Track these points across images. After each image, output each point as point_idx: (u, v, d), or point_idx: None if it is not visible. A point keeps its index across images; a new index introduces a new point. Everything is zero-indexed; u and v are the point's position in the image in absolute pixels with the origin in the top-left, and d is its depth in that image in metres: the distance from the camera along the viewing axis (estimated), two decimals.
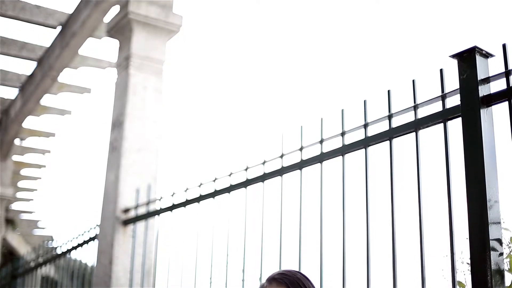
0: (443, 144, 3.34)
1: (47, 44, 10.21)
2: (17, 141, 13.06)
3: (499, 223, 3.00)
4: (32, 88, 10.77)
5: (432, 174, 3.55)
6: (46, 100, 11.41)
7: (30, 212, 16.50)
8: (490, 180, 3.02)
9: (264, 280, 2.89)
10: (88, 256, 7.13)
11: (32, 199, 15.92)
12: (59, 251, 8.07)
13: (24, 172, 14.54)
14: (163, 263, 5.85)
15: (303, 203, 4.17)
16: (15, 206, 15.84)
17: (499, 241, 2.96)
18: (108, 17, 7.87)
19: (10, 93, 12.20)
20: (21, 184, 14.97)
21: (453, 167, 3.31)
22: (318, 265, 3.92)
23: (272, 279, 2.84)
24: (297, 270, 2.91)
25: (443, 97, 3.36)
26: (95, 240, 6.60)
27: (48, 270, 8.77)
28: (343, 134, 3.93)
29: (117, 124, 6.42)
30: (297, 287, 2.76)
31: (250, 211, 4.62)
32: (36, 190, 15.47)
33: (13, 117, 11.88)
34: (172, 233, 5.58)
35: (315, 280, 3.78)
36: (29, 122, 12.32)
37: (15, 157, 13.73)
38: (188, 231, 5.30)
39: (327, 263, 3.91)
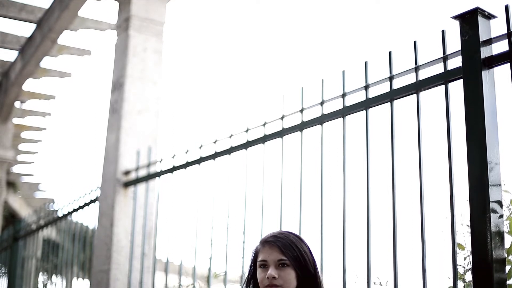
0: (444, 106, 3.33)
1: (47, 5, 10.13)
2: (17, 104, 13.03)
3: (500, 185, 3.01)
4: (31, 51, 10.71)
5: (433, 137, 3.55)
6: (46, 62, 11.36)
7: (31, 175, 16.52)
8: (491, 142, 3.02)
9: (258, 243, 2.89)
10: (89, 218, 7.16)
11: (33, 162, 15.92)
12: (60, 214, 8.09)
13: (24, 135, 14.52)
14: (164, 225, 5.88)
15: (303, 165, 4.17)
16: (16, 169, 15.86)
17: (499, 203, 2.97)
18: None
19: (9, 55, 12.14)
20: (21, 147, 14.97)
21: (454, 130, 3.30)
22: (319, 227, 3.93)
23: (265, 242, 2.84)
24: (292, 231, 2.89)
25: (445, 58, 3.34)
26: (96, 202, 6.62)
27: (50, 232, 8.80)
28: (343, 95, 3.92)
29: (117, 86, 6.40)
30: (290, 249, 2.76)
31: (251, 173, 4.63)
32: (37, 153, 15.48)
33: (13, 79, 11.83)
34: (173, 195, 5.60)
35: (315, 242, 3.81)
36: (29, 85, 12.27)
37: (16, 120, 13.71)
38: (189, 193, 5.32)
39: (327, 225, 3.92)
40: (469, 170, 3.04)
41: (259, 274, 2.80)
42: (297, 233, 2.89)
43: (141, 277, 5.78)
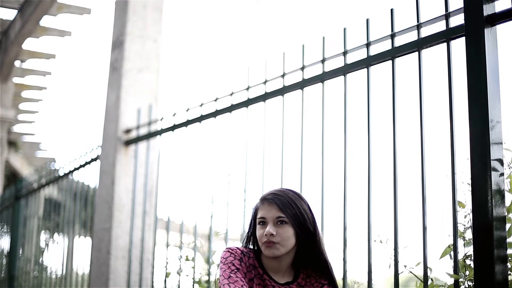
0: (446, 64, 3.32)
1: None
2: (17, 63, 12.98)
3: (501, 143, 3.00)
4: (31, 9, 10.63)
5: (434, 95, 3.54)
6: (46, 21, 11.30)
7: (32, 134, 16.54)
8: (492, 100, 3.01)
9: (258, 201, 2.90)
10: (90, 177, 7.18)
11: (33, 121, 15.92)
12: (61, 173, 8.11)
13: (25, 94, 14.50)
14: (165, 183, 5.89)
15: (304, 123, 4.16)
16: (17, 128, 15.87)
17: (500, 161, 2.97)
18: None
19: (9, 14, 12.07)
20: (22, 106, 14.96)
21: (456, 88, 3.29)
22: (319, 184, 3.93)
23: (264, 199, 2.84)
24: (291, 189, 2.89)
25: (447, 16, 3.32)
26: (97, 160, 6.63)
27: (51, 191, 8.83)
28: (345, 53, 3.90)
29: (117, 44, 6.36)
30: (289, 207, 2.76)
31: (252, 131, 4.62)
32: (37, 112, 15.47)
33: (12, 38, 11.77)
34: (174, 154, 5.60)
35: (315, 200, 3.82)
36: (29, 44, 12.22)
37: (16, 79, 13.68)
38: (190, 151, 5.32)
39: (328, 182, 3.92)
40: (470, 128, 3.03)
41: (258, 231, 2.81)
42: (297, 191, 2.89)
43: (142, 235, 5.81)
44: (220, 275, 2.73)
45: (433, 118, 3.48)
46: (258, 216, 2.82)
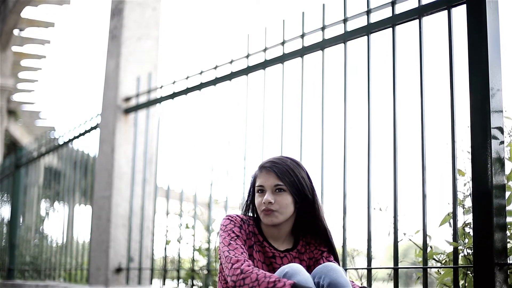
0: (447, 33, 3.30)
1: None
2: (16, 32, 12.92)
3: (501, 111, 3.00)
4: None
5: (435, 63, 3.52)
6: None
7: (32, 103, 16.51)
8: (493, 68, 3.00)
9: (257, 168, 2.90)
10: (90, 145, 7.18)
11: (33, 90, 15.89)
12: (61, 141, 8.11)
13: (24, 63, 14.46)
14: (165, 152, 5.89)
15: (304, 91, 4.15)
16: (16, 97, 15.85)
17: (501, 129, 2.97)
18: None
19: None
20: (21, 75, 14.92)
21: (457, 56, 3.28)
22: (319, 152, 3.93)
23: (262, 167, 2.84)
24: (290, 156, 2.88)
25: None
26: (97, 129, 6.62)
27: (51, 160, 8.83)
28: (345, 21, 3.88)
29: (116, 12, 6.32)
30: (287, 175, 2.76)
31: (251, 99, 4.61)
32: (37, 81, 15.44)
33: (11, 6, 11.70)
34: (174, 122, 5.60)
35: (315, 167, 3.82)
36: (28, 12, 12.15)
37: (15, 48, 13.62)
38: (190, 119, 5.31)
39: (328, 150, 3.92)
40: (470, 96, 3.03)
41: (257, 199, 2.81)
42: (296, 159, 2.89)
43: (142, 202, 5.82)
44: (220, 242, 2.74)
45: (433, 86, 3.48)
46: (257, 184, 2.82)
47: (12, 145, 16.08)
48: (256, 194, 2.82)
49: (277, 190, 2.75)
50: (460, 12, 3.22)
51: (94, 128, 6.82)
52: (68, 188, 7.97)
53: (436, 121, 3.45)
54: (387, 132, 3.50)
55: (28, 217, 9.67)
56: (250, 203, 2.92)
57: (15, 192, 9.89)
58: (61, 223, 8.22)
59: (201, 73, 5.12)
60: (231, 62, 4.80)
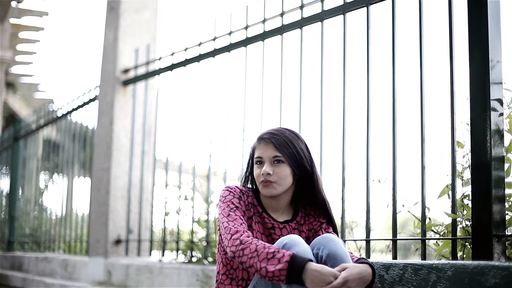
0: (447, 4, 3.28)
1: None
2: (13, 3, 12.84)
3: (501, 83, 2.99)
4: None
5: (434, 34, 3.50)
6: None
7: (30, 75, 16.45)
8: (493, 40, 2.99)
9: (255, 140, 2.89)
10: (88, 117, 7.17)
11: (31, 62, 15.82)
12: (59, 113, 8.10)
13: (22, 35, 14.38)
14: (164, 123, 5.89)
15: (303, 63, 4.14)
16: (15, 69, 15.78)
17: (500, 101, 2.96)
18: None
19: None
20: (20, 47, 14.85)
21: (457, 27, 3.26)
22: (318, 124, 3.93)
23: (260, 139, 2.83)
24: (289, 128, 2.87)
25: None
26: (95, 101, 6.61)
27: (50, 132, 8.83)
28: None
29: None
30: (285, 146, 2.75)
31: (250, 71, 4.60)
32: (35, 53, 15.37)
33: None
34: (172, 94, 5.58)
35: (314, 139, 3.82)
36: None
37: (13, 20, 13.54)
38: (189, 91, 5.30)
39: (327, 122, 3.92)
40: (470, 68, 3.02)
41: (255, 170, 2.80)
42: (295, 130, 2.88)
43: (141, 174, 5.83)
44: (219, 214, 2.74)
45: (433, 58, 3.46)
46: (255, 155, 2.82)
47: (11, 118, 16.06)
48: (255, 166, 2.81)
49: (275, 162, 2.75)
50: None
51: (93, 100, 6.81)
52: (67, 160, 7.98)
53: (436, 93, 3.44)
54: (386, 104, 3.49)
55: (28, 189, 9.69)
56: (249, 175, 2.92)
57: (14, 164, 9.89)
58: (60, 195, 8.24)
59: (199, 44, 5.10)
60: (230, 33, 4.78)
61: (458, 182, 3.23)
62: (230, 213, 2.70)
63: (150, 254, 5.85)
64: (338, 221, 3.32)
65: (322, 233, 2.81)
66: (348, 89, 3.79)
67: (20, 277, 7.58)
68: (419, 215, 3.33)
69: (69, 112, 7.73)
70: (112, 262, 5.67)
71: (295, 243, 2.47)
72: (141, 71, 5.90)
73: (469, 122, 3.02)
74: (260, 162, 2.78)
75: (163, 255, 5.45)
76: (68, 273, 6.58)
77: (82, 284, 5.95)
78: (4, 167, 10.65)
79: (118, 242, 5.83)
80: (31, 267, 7.87)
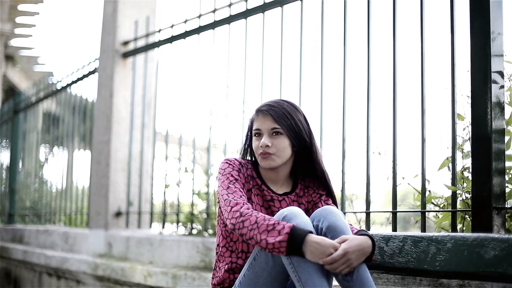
0: None
1: None
2: None
3: (502, 55, 2.98)
4: None
5: (435, 5, 3.48)
6: None
7: (30, 48, 16.37)
8: (494, 12, 2.97)
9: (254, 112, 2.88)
10: (88, 90, 7.15)
11: (31, 35, 15.74)
12: (59, 86, 8.08)
13: (21, 7, 14.29)
14: (164, 96, 5.88)
15: (303, 35, 4.12)
16: (14, 42, 15.71)
17: (501, 73, 2.95)
18: None
19: None
20: (19, 19, 14.76)
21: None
22: (319, 96, 3.92)
23: (258, 111, 2.82)
24: (287, 100, 2.86)
25: None
26: (95, 73, 6.59)
27: (50, 105, 8.81)
28: None
29: None
30: (284, 118, 2.74)
31: (250, 43, 4.57)
32: (34, 26, 15.28)
33: None
34: (172, 66, 5.56)
35: (314, 111, 3.81)
36: None
37: None
38: (188, 63, 5.28)
39: (327, 94, 3.91)
40: (471, 40, 3.00)
41: (254, 142, 2.80)
42: (294, 102, 2.87)
43: (141, 147, 5.83)
44: (218, 186, 2.74)
45: (434, 30, 3.44)
46: (254, 127, 2.81)
47: (10, 91, 16.01)
48: (254, 138, 2.81)
49: (274, 134, 2.75)
50: None
51: (92, 72, 6.79)
52: (67, 133, 7.97)
53: (436, 65, 3.43)
54: (386, 76, 3.48)
55: (28, 162, 9.70)
56: (248, 147, 2.92)
57: (14, 137, 9.90)
58: (61, 168, 8.25)
59: (199, 16, 5.08)
60: (229, 5, 4.75)
61: (458, 154, 3.23)
62: (229, 185, 2.70)
63: (151, 227, 5.87)
64: (338, 194, 3.32)
65: (322, 205, 2.82)
66: (349, 61, 3.78)
67: (20, 250, 7.62)
68: (419, 188, 3.33)
69: (69, 85, 7.71)
70: (113, 234, 5.69)
71: (295, 215, 2.48)
72: (141, 43, 5.88)
73: (469, 94, 3.01)
74: (259, 134, 2.78)
75: (163, 227, 5.46)
76: (69, 245, 6.61)
77: (82, 256, 5.98)
78: (4, 140, 10.66)
79: (118, 214, 5.85)
80: (31, 240, 7.90)
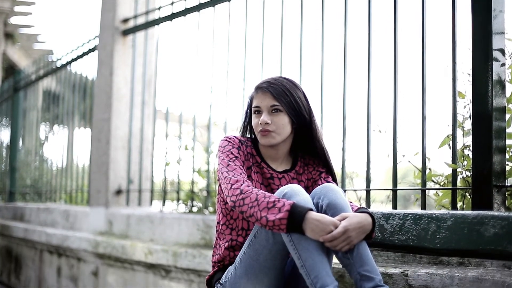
0: None
1: None
2: None
3: (503, 33, 2.97)
4: None
5: None
6: None
7: (30, 26, 16.31)
8: None
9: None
10: (88, 68, 7.14)
11: (31, 13, 15.68)
12: (59, 64, 8.06)
13: None
14: (164, 73, 5.86)
15: (304, 11, 4.10)
16: (14, 20, 15.65)
17: (502, 51, 2.94)
18: None
19: None
20: None
21: None
22: (319, 73, 3.91)
23: (258, 88, 2.82)
24: (287, 77, 2.85)
25: None
26: (95, 51, 6.57)
27: (50, 83, 8.79)
28: None
29: None
30: (283, 95, 2.74)
31: (251, 20, 4.55)
32: (34, 3, 15.22)
33: None
34: (172, 43, 5.54)
35: (315, 88, 3.80)
36: None
37: None
38: (189, 41, 5.26)
39: (328, 71, 3.90)
40: (472, 18, 2.99)
41: (253, 120, 2.80)
42: (293, 79, 2.86)
43: (141, 125, 5.82)
44: (218, 164, 2.74)
45: (435, 8, 3.42)
46: (253, 105, 2.81)
47: (10, 69, 15.98)
48: (253, 115, 2.81)
49: (273, 111, 2.74)
50: None
51: (92, 50, 6.77)
52: (67, 111, 7.96)
53: (437, 43, 3.41)
54: (387, 53, 3.46)
55: (28, 140, 9.70)
56: (247, 125, 2.92)
57: (14, 115, 9.89)
58: (61, 146, 8.25)
59: None
60: None
61: (459, 132, 3.22)
62: (229, 163, 2.70)
63: (151, 204, 5.88)
64: (338, 172, 3.32)
65: (322, 183, 2.82)
66: (349, 38, 3.76)
67: (21, 228, 7.63)
68: (419, 166, 3.33)
69: (69, 63, 7.69)
70: (113, 212, 5.70)
71: (295, 192, 2.48)
72: (141, 20, 5.85)
73: (470, 72, 3.00)
74: (258, 112, 2.78)
75: (163, 205, 5.47)
76: (70, 223, 6.62)
77: (83, 234, 5.99)
78: (4, 118, 10.65)
79: (119, 192, 5.85)
80: (32, 218, 7.92)
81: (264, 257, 2.55)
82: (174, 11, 5.33)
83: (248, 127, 2.91)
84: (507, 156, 2.96)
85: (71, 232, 6.26)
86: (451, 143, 3.17)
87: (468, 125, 3.22)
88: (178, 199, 5.31)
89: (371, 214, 2.52)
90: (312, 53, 4.02)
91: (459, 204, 3.16)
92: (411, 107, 3.49)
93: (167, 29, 5.55)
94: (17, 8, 14.92)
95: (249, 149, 2.83)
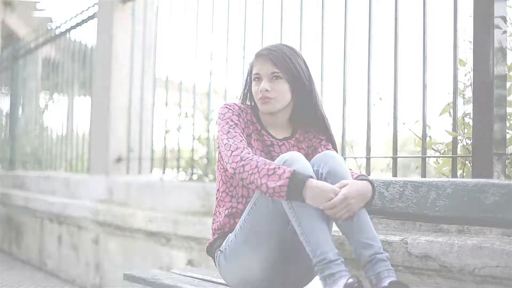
0: None
1: None
2: None
3: (505, 0, 2.95)
4: None
5: None
6: None
7: None
8: None
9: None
10: (88, 36, 7.10)
11: None
12: (58, 32, 8.02)
13: None
14: (164, 41, 5.83)
15: None
16: None
17: (504, 18, 2.92)
18: None
19: None
20: None
21: None
22: (319, 40, 3.89)
23: (258, 55, 2.80)
24: (287, 44, 2.84)
25: None
26: (94, 18, 6.53)
27: (49, 52, 8.76)
28: None
29: None
30: (283, 62, 2.73)
31: None
32: None
33: None
34: (172, 10, 5.50)
35: (315, 56, 3.78)
36: None
37: None
38: (188, 8, 5.23)
39: (328, 38, 3.88)
40: None
41: (253, 87, 2.79)
42: (293, 46, 2.85)
43: (141, 93, 5.81)
44: (218, 131, 2.73)
45: None
46: (253, 72, 2.80)
47: (9, 37, 15.91)
48: (253, 82, 2.80)
49: (273, 78, 2.73)
50: None
51: (92, 18, 6.73)
52: (67, 79, 7.94)
53: (438, 10, 3.39)
54: (388, 20, 3.44)
55: (28, 109, 9.68)
56: (247, 92, 2.91)
57: (13, 84, 9.86)
58: (61, 115, 8.24)
59: None
60: None
61: (460, 100, 3.21)
62: (229, 130, 2.69)
63: (151, 172, 5.89)
64: (338, 140, 3.32)
65: (322, 150, 2.82)
66: (350, 5, 3.74)
67: (22, 196, 7.65)
68: (419, 134, 3.33)
69: (68, 31, 7.65)
70: (113, 180, 5.71)
71: (295, 160, 2.48)
72: None
73: (471, 40, 2.98)
74: (258, 79, 2.77)
75: (164, 173, 5.48)
76: (70, 191, 6.64)
77: (83, 202, 6.01)
78: (4, 86, 10.62)
79: (119, 160, 5.86)
80: (32, 186, 7.94)
81: (264, 224, 2.56)
82: None
83: (248, 95, 2.90)
84: (507, 124, 2.96)
85: (71, 200, 6.28)
86: (451, 111, 3.16)
87: (469, 93, 3.21)
88: (178, 167, 5.32)
89: (371, 182, 2.52)
90: (312, 20, 4.00)
91: (459, 172, 3.17)
92: (412, 75, 3.47)
93: None
94: None
95: (249, 117, 2.83)
